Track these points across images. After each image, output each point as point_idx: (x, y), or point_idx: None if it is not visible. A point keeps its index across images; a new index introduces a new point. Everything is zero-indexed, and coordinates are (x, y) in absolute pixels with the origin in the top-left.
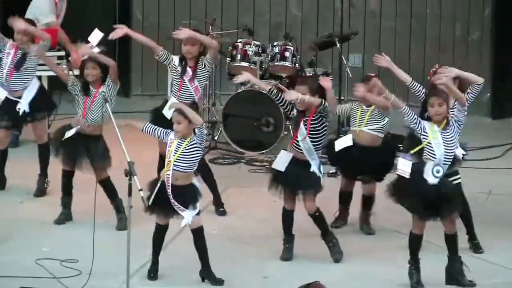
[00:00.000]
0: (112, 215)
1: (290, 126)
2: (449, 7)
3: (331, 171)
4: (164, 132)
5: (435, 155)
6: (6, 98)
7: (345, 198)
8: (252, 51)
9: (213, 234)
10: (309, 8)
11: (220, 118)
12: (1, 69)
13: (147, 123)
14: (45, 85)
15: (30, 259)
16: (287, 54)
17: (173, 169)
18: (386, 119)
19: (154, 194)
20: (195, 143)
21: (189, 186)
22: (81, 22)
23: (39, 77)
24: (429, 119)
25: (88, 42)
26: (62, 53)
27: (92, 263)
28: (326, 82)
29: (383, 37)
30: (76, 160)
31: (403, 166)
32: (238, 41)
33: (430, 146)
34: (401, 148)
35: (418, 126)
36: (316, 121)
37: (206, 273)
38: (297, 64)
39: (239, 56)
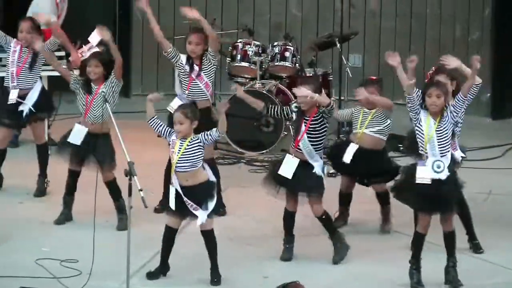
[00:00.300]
0: (112, 215)
1: (290, 126)
2: (449, 7)
3: (330, 171)
4: (168, 130)
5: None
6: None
7: (345, 199)
8: (252, 51)
9: None
10: (309, 8)
11: None
12: (7, 68)
13: (154, 116)
14: (45, 85)
15: (30, 259)
16: (287, 54)
17: (176, 171)
18: (388, 121)
19: (172, 199)
20: (198, 142)
21: (199, 186)
22: (81, 22)
23: (40, 78)
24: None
25: (88, 42)
26: (62, 53)
27: (92, 263)
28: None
29: (383, 37)
30: (84, 158)
31: (422, 173)
32: (238, 41)
33: (424, 148)
34: (401, 148)
35: (416, 116)
36: (316, 122)
37: (213, 273)
38: (297, 64)
39: (239, 56)
